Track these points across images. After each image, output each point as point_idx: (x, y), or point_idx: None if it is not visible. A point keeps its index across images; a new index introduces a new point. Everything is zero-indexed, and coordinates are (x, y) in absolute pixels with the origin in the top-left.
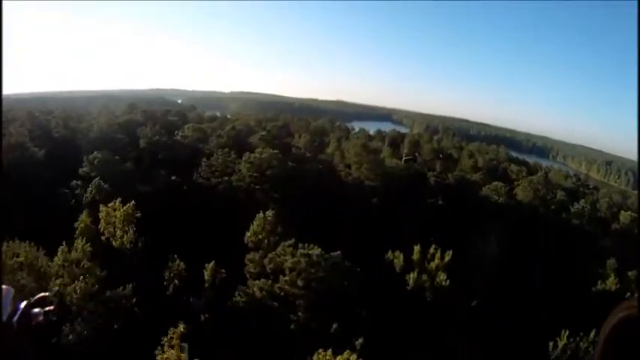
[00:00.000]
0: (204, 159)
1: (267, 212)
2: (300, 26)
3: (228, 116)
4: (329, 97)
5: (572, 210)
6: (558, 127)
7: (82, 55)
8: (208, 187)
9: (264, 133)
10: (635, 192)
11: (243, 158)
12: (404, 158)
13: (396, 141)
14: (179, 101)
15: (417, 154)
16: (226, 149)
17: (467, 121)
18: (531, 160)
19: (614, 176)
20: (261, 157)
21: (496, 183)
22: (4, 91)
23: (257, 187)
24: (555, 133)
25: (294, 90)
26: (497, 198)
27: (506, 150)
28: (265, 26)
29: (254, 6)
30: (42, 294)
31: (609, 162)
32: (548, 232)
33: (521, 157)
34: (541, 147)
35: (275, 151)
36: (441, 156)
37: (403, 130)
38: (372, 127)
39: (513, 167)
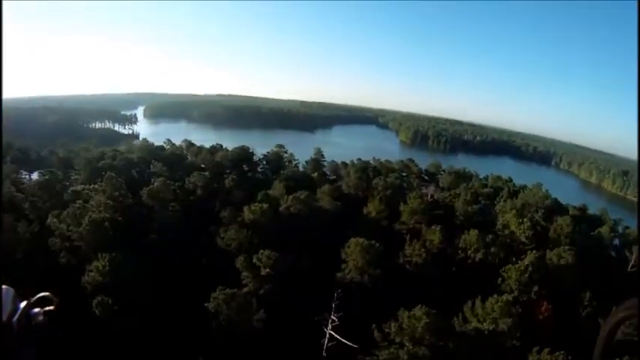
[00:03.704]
0: None
1: None
2: (284, 28)
3: None
4: (313, 98)
5: None
6: (563, 127)
7: (57, 62)
8: None
9: None
10: None
11: None
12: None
13: None
14: (133, 113)
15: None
16: None
17: (460, 122)
18: (532, 168)
19: (632, 190)
20: None
21: None
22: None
23: None
24: (559, 133)
25: (278, 92)
26: None
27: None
28: (248, 29)
29: (238, 6)
30: (42, 294)
31: (626, 172)
32: None
33: (524, 167)
34: (543, 152)
35: None
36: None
37: (388, 134)
38: (354, 133)
39: None
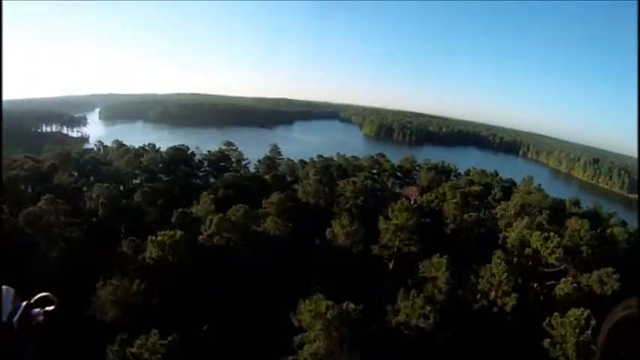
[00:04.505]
0: None
1: None
2: (245, 25)
3: None
4: (274, 95)
5: None
6: (526, 118)
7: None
8: None
9: None
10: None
11: None
12: None
13: None
14: (84, 115)
15: None
16: None
17: (424, 115)
18: (501, 158)
19: (604, 177)
20: None
21: None
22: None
23: None
24: (522, 125)
25: (240, 89)
26: None
27: None
28: (209, 27)
29: (200, 6)
30: (42, 294)
31: (596, 160)
32: None
33: (492, 157)
34: (510, 142)
35: None
36: None
37: (351, 128)
38: (315, 128)
39: None
